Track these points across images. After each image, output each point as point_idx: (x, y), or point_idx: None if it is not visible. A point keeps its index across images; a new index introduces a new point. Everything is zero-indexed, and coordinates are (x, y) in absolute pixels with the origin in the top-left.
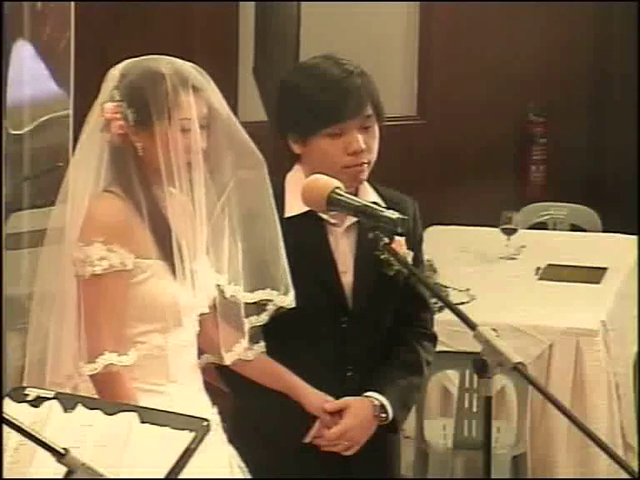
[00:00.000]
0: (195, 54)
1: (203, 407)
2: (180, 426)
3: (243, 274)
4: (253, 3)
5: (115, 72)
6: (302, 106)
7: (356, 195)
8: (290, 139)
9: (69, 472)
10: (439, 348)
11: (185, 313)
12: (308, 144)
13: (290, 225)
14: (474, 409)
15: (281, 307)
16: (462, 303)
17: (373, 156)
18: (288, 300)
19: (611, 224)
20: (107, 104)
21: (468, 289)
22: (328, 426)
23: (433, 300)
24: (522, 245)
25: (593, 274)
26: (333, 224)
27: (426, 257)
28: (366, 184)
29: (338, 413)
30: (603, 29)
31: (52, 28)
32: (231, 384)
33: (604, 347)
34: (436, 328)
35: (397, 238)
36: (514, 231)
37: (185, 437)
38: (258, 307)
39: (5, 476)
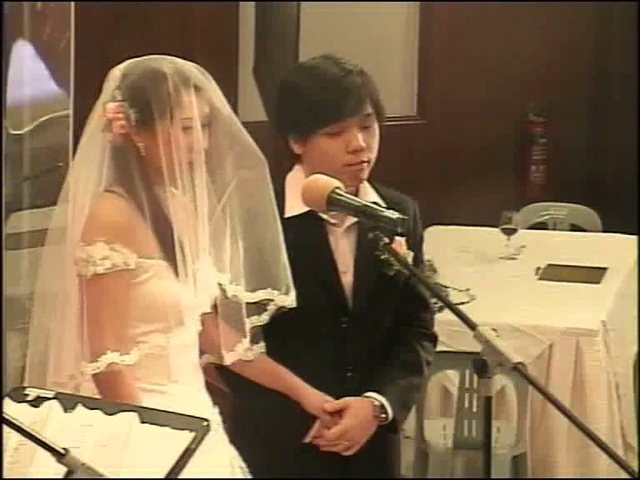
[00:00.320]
0: (195, 54)
1: (204, 407)
2: (180, 426)
3: (244, 274)
4: (253, 3)
5: (117, 72)
6: (302, 106)
7: (356, 195)
8: (290, 139)
9: (69, 472)
10: (439, 348)
11: (187, 313)
12: (308, 144)
13: (290, 225)
14: (474, 409)
15: (282, 307)
16: (462, 303)
17: (373, 155)
18: (289, 300)
19: (611, 224)
20: (109, 104)
21: (468, 289)
22: (328, 426)
23: (433, 300)
24: (522, 245)
25: (593, 274)
26: (333, 224)
27: (426, 257)
28: (366, 184)
29: (338, 413)
30: (603, 29)
31: (52, 28)
32: (231, 384)
33: (604, 347)
34: (436, 328)
35: (397, 238)
36: (514, 231)
37: (185, 437)
38: (259, 307)
39: (5, 476)
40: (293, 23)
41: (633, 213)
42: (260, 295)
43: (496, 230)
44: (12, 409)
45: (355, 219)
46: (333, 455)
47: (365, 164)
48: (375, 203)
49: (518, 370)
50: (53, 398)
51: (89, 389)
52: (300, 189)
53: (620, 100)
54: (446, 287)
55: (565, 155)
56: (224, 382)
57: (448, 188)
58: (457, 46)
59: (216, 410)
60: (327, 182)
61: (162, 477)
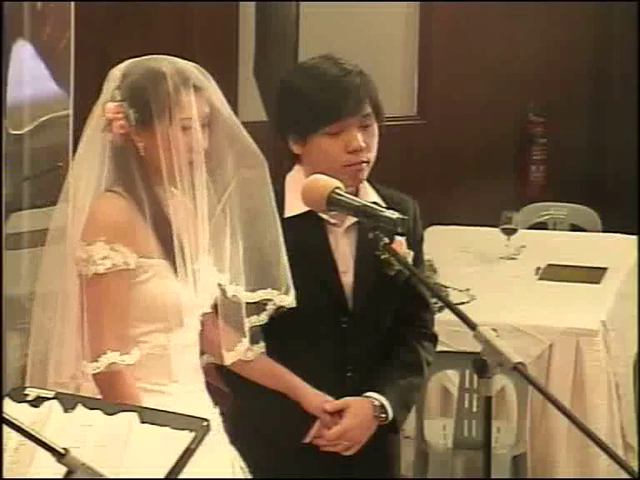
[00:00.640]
0: (195, 54)
1: (205, 407)
2: (180, 426)
3: (244, 274)
4: (253, 3)
5: (117, 72)
6: (302, 106)
7: (356, 195)
8: (290, 139)
9: (69, 472)
10: (439, 348)
11: (187, 313)
12: (308, 144)
13: (290, 225)
14: (474, 409)
15: (281, 307)
16: (462, 303)
17: (372, 155)
18: (289, 300)
19: (611, 224)
20: (109, 104)
21: (468, 289)
22: (328, 426)
23: (433, 300)
24: (522, 245)
25: (593, 274)
26: (333, 224)
27: (426, 257)
28: (366, 184)
29: (338, 413)
30: (603, 29)
31: (52, 28)
32: (231, 384)
33: (604, 347)
34: (436, 328)
35: (397, 238)
36: (514, 231)
37: (185, 437)
38: (258, 307)
39: (5, 476)
40: (293, 23)
41: (633, 213)
42: (260, 295)
43: (496, 230)
44: (12, 409)
45: (355, 219)
46: (333, 455)
47: (365, 164)
48: (375, 203)
49: (518, 370)
50: (53, 398)
51: (90, 389)
52: (300, 189)
53: (620, 100)
54: (446, 287)
55: (565, 155)
56: (224, 382)
57: (448, 188)
58: (457, 46)
59: (216, 410)
60: (327, 182)
61: (162, 477)
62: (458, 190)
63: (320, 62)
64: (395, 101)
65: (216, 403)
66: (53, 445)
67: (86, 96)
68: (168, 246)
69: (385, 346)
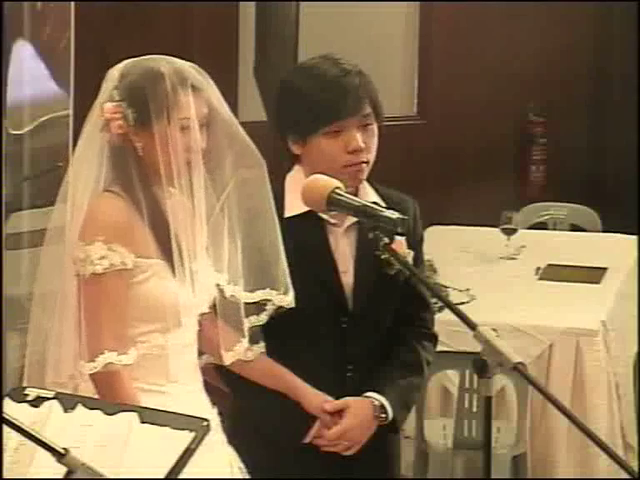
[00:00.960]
0: (195, 54)
1: (204, 407)
2: (180, 426)
3: (243, 274)
4: (253, 3)
5: (115, 72)
6: (301, 106)
7: (356, 195)
8: (290, 140)
9: (69, 472)
10: (439, 348)
11: (185, 313)
12: (308, 144)
13: (290, 225)
14: (474, 409)
15: (280, 307)
16: (462, 303)
17: (372, 155)
18: (288, 300)
19: (611, 224)
20: (107, 104)
21: (468, 289)
22: (328, 426)
23: (433, 300)
24: (522, 245)
25: (593, 274)
26: (333, 224)
27: (426, 257)
28: (366, 184)
29: (338, 413)
30: (603, 29)
31: (52, 28)
32: (231, 384)
33: (604, 347)
34: (436, 328)
35: (397, 238)
36: (514, 231)
37: (185, 437)
38: (258, 307)
39: (5, 476)
40: (293, 23)
41: (633, 213)
42: (259, 295)
43: (496, 230)
44: (12, 409)
45: (355, 219)
46: (333, 455)
47: (364, 164)
48: (375, 203)
49: (518, 370)
50: (53, 398)
51: (88, 389)
52: (300, 189)
53: (620, 100)
54: (446, 287)
55: (565, 155)
56: (224, 382)
57: (448, 188)
58: (457, 46)
59: (215, 410)
60: (327, 182)
61: (162, 477)
62: (458, 190)
63: (320, 62)
64: (395, 101)
65: (214, 403)
66: (53, 445)
67: (86, 96)
68: (166, 246)
69: (385, 346)
